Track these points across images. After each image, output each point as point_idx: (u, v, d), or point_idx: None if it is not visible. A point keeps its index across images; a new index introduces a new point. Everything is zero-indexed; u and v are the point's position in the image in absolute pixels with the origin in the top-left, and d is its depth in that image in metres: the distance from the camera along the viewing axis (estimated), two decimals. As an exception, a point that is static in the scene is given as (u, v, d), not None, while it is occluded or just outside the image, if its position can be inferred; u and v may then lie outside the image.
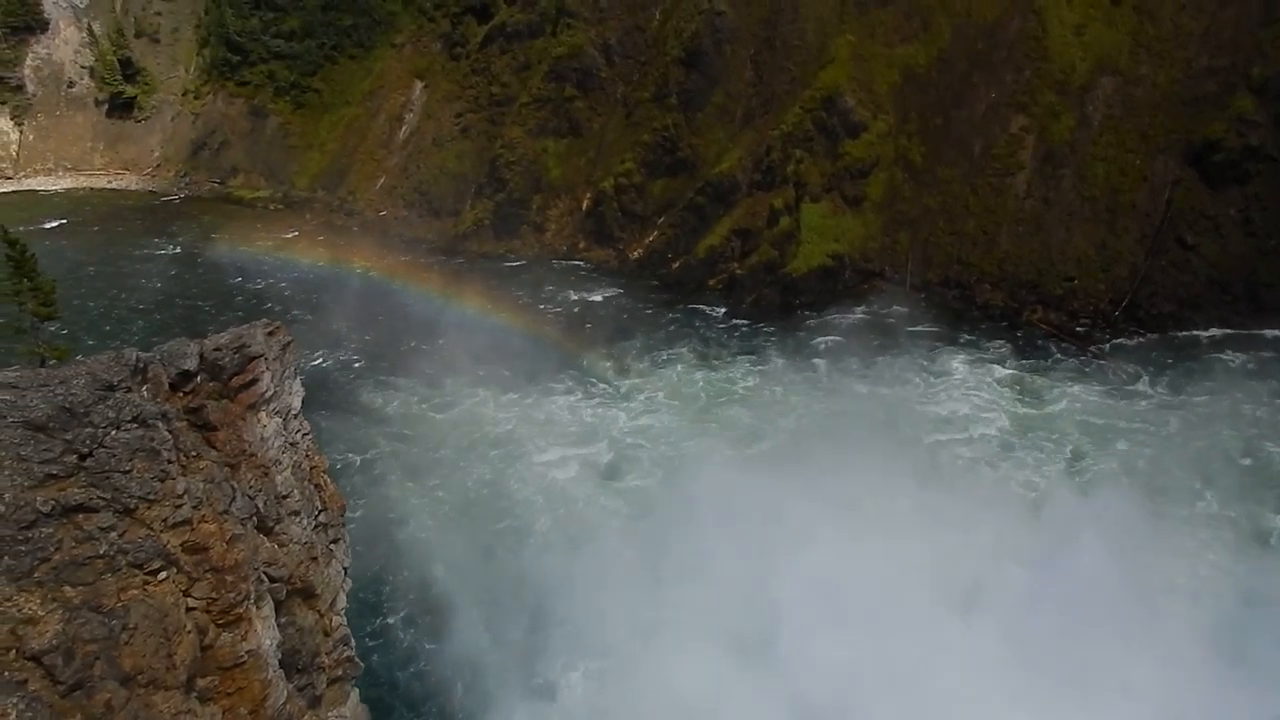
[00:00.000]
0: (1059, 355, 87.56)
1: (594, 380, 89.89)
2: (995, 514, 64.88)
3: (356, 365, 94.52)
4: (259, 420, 31.91)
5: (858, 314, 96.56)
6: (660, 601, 57.03)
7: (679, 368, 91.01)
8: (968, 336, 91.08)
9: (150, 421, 25.47)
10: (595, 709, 52.30)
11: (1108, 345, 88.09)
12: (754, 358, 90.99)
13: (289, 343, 35.02)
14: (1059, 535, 60.67)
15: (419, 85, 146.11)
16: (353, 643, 37.79)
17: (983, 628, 53.61)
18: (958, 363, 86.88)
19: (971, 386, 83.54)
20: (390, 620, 60.38)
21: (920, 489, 69.51)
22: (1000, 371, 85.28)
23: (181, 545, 25.31)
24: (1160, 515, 64.44)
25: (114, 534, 23.20)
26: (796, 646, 52.16)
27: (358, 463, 76.02)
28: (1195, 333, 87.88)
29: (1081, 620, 52.18)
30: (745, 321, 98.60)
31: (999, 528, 63.05)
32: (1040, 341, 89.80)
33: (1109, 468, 71.69)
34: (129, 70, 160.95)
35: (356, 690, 38.31)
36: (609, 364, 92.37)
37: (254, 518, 29.83)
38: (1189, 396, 79.39)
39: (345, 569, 38.35)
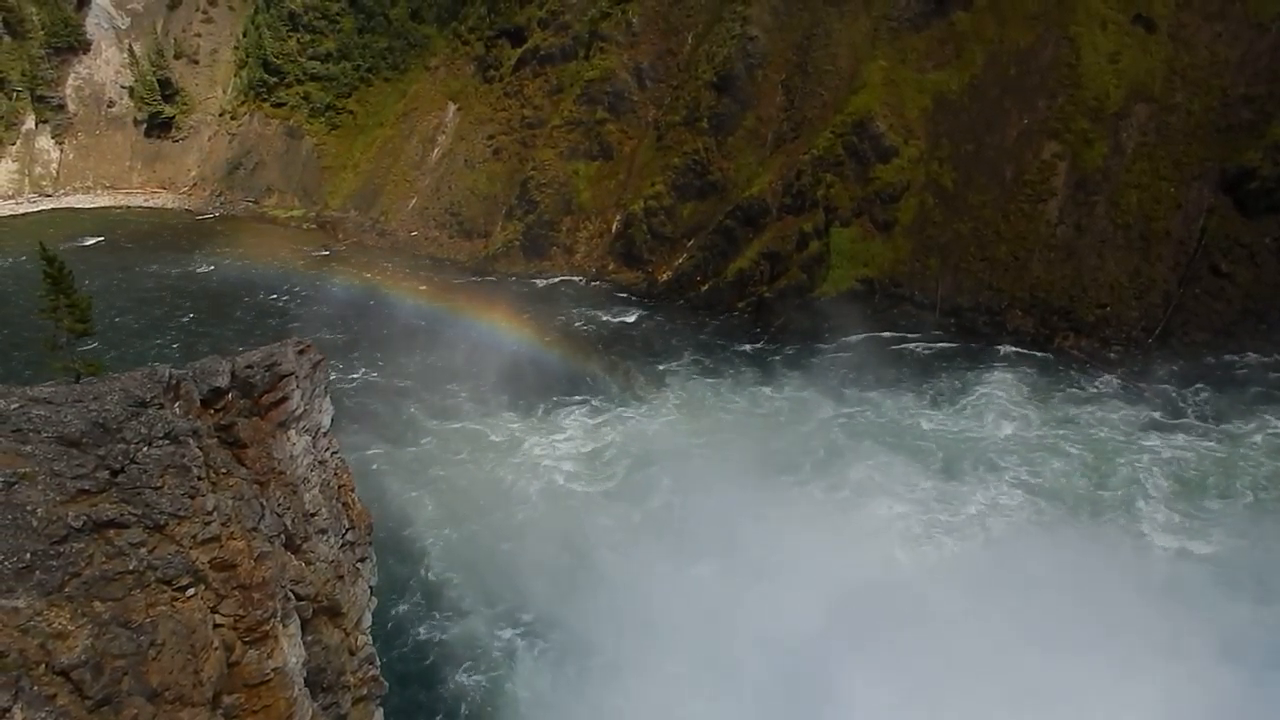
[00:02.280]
0: (1090, 381, 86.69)
1: (613, 397, 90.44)
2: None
3: (380, 381, 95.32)
4: (288, 438, 32.05)
5: (886, 338, 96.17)
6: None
7: (701, 386, 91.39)
8: (997, 362, 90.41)
9: (181, 438, 25.64)
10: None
11: (1140, 372, 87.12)
12: (778, 379, 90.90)
13: (319, 361, 35.18)
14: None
15: (452, 107, 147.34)
16: (378, 662, 37.78)
17: None
18: (987, 387, 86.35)
19: (999, 410, 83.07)
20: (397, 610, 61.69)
21: (925, 487, 71.05)
22: (1030, 396, 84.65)
23: (210, 562, 25.38)
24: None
25: (144, 550, 23.30)
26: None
27: (371, 470, 77.10)
28: (1230, 360, 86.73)
29: None
30: (772, 344, 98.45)
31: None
32: (1072, 368, 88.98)
33: (1130, 490, 71.73)
34: (168, 90, 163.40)
35: (381, 710, 38.25)
36: (630, 381, 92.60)
37: (282, 535, 29.91)
38: (1222, 422, 78.75)
39: (371, 588, 38.37)
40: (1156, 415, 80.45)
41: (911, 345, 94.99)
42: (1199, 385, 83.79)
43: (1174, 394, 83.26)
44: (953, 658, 49.98)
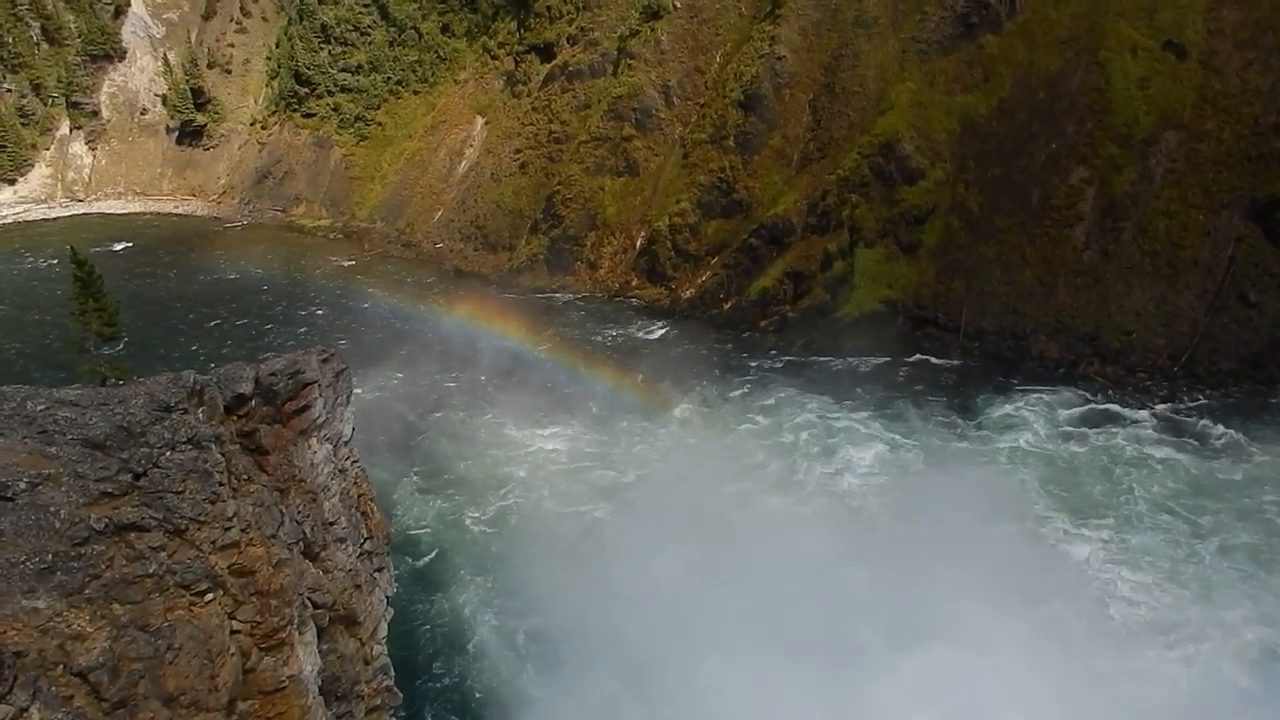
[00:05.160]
0: (1114, 408, 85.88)
1: (628, 409, 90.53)
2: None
3: (394, 387, 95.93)
4: (310, 446, 32.20)
5: (908, 360, 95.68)
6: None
7: (717, 402, 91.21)
8: (1020, 386, 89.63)
9: (204, 444, 25.81)
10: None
11: (1165, 400, 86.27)
12: (798, 398, 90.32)
13: (342, 370, 35.36)
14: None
15: (480, 121, 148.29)
16: (392, 672, 37.80)
17: None
18: (1009, 410, 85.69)
19: (1020, 434, 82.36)
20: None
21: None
22: (1052, 421, 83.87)
23: (229, 567, 25.50)
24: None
25: (164, 554, 23.44)
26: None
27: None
28: (1257, 390, 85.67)
29: None
30: (794, 363, 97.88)
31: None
32: (1096, 394, 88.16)
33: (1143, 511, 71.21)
34: (200, 99, 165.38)
35: (394, 720, 38.29)
36: (647, 396, 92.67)
37: (301, 543, 30.03)
38: (1246, 452, 77.62)
39: (388, 598, 38.45)
40: (1178, 441, 79.63)
41: (934, 367, 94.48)
42: (1224, 414, 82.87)
43: (1198, 423, 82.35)
44: None
